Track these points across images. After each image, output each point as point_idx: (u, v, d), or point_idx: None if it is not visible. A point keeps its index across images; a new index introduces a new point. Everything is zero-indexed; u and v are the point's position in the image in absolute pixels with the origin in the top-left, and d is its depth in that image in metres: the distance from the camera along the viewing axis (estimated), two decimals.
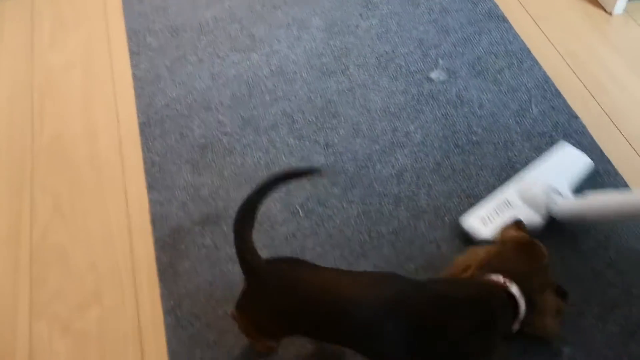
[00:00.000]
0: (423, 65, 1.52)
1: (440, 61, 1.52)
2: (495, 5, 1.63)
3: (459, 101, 1.45)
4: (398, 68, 1.52)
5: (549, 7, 1.66)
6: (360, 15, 1.65)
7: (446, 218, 1.25)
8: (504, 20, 1.60)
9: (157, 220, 1.27)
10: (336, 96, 1.48)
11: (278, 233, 1.24)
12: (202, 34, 1.63)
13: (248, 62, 1.56)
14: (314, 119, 1.44)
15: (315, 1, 1.68)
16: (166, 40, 1.62)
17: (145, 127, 1.44)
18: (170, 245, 1.23)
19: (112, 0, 1.76)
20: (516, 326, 0.91)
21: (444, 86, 1.48)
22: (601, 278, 1.15)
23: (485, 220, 1.19)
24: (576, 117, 1.41)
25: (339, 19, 1.64)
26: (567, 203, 1.16)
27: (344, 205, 1.27)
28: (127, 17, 1.70)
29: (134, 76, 1.55)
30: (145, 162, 1.37)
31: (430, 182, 1.30)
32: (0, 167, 1.39)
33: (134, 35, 1.64)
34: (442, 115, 1.43)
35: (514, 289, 0.90)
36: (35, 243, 1.26)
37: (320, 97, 1.48)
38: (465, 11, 1.63)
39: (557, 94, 1.46)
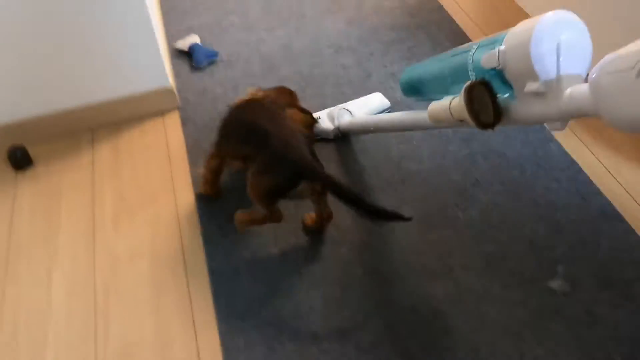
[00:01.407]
0: (539, 271, 1.36)
1: (560, 268, 1.36)
2: (609, 203, 1.49)
3: (590, 319, 1.27)
4: (510, 273, 1.35)
5: None
6: (457, 205, 1.51)
7: None
8: (621, 220, 1.45)
9: None
10: (445, 305, 1.30)
11: None
12: None
13: None
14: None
15: (405, 189, 1.55)
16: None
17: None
18: None
19: (180, 173, 1.63)
20: None
21: (569, 299, 1.30)
22: None
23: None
24: None
25: (435, 209, 1.50)
26: (347, 119, 1.65)
27: None
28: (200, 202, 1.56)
29: (210, 270, 1.38)
30: None
31: None
32: None
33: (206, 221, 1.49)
34: (573, 336, 1.24)
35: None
36: None
37: (426, 304, 1.30)
38: (575, 207, 1.49)
39: None
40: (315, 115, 1.58)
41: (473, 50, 1.06)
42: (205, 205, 1.53)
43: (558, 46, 0.90)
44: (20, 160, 1.67)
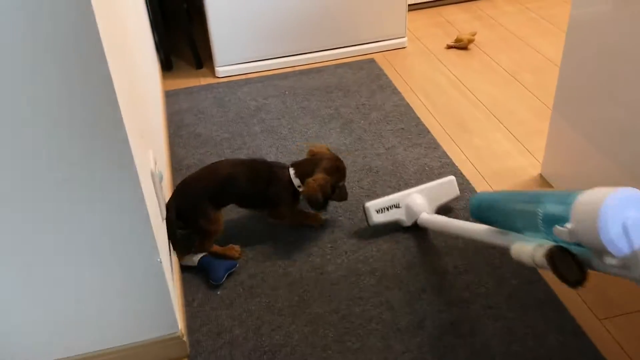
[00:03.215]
0: None
1: None
2: None
3: None
4: None
5: None
6: None
7: None
8: None
9: None
10: None
11: None
12: None
13: None
14: None
15: None
16: None
17: None
18: None
19: None
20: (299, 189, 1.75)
21: None
22: None
23: (379, 210, 1.79)
24: None
25: None
26: (425, 217, 1.74)
27: None
28: None
29: None
30: None
31: None
32: None
33: None
34: None
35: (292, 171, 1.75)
36: None
37: None
38: None
39: None
40: (390, 197, 1.79)
41: (542, 207, 1.10)
42: None
43: (624, 226, 0.92)
44: None
